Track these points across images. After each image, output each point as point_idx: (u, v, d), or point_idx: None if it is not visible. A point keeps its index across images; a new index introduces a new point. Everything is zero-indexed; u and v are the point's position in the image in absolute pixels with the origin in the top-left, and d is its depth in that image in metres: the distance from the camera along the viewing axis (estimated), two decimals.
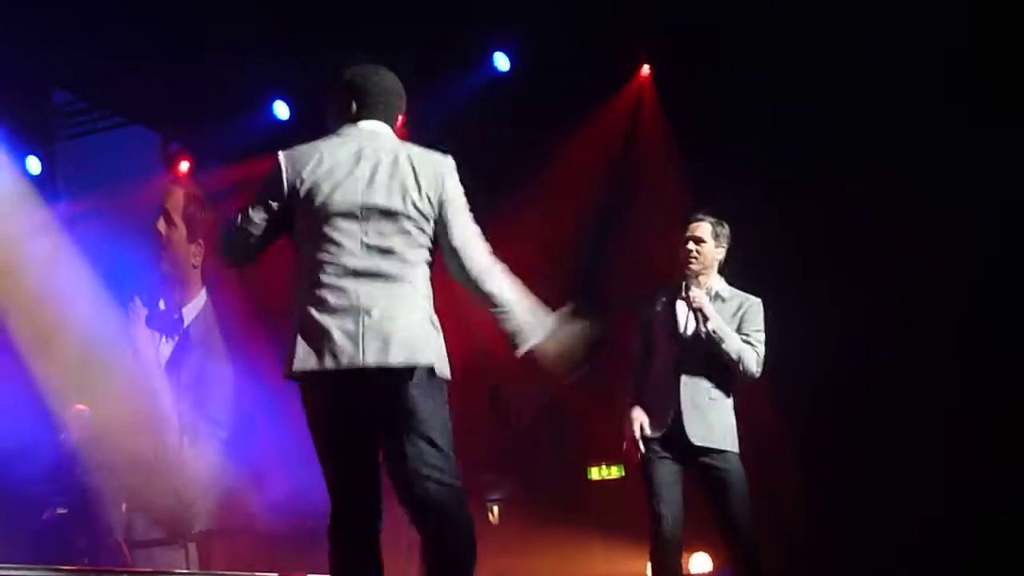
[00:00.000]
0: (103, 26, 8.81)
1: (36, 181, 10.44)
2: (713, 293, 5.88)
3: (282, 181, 3.91)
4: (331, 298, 3.83)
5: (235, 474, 10.67)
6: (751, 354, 5.76)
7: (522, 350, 4.00)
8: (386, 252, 3.87)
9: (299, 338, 3.83)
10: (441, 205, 3.93)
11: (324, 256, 3.86)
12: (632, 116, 10.23)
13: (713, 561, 8.98)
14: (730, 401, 5.87)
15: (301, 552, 7.79)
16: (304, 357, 3.81)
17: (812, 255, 8.87)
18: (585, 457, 10.01)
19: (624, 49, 9.77)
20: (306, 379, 3.85)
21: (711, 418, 5.77)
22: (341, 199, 3.86)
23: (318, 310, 3.83)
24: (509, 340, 4.01)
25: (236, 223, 4.01)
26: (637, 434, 5.76)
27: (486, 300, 3.98)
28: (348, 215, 3.86)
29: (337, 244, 3.85)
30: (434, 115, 10.03)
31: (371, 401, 3.83)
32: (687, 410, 5.72)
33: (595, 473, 10.08)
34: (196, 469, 10.42)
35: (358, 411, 3.85)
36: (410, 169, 3.92)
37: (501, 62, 10.21)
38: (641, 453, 5.78)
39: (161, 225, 11.10)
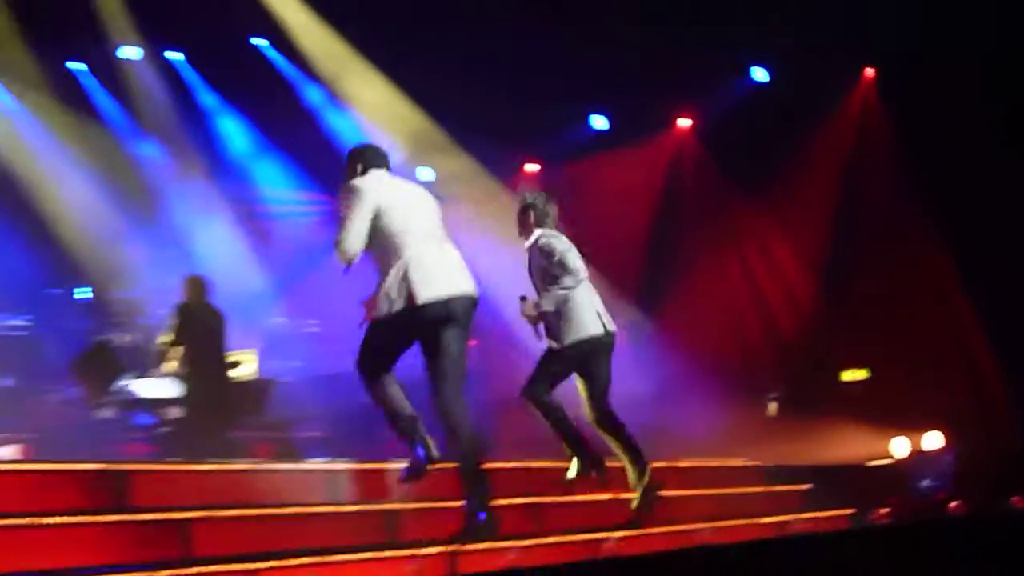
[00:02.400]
0: None
1: None
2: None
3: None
4: None
5: None
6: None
7: None
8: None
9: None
10: None
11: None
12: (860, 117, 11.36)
13: (946, 438, 10.15)
14: None
15: None
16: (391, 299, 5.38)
17: None
18: (838, 363, 11.42)
19: (852, 56, 10.96)
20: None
21: None
22: None
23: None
24: None
25: None
26: None
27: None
28: None
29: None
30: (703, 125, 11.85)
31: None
32: None
33: (847, 375, 11.42)
34: None
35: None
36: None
37: (759, 75, 11.52)
38: None
39: None
